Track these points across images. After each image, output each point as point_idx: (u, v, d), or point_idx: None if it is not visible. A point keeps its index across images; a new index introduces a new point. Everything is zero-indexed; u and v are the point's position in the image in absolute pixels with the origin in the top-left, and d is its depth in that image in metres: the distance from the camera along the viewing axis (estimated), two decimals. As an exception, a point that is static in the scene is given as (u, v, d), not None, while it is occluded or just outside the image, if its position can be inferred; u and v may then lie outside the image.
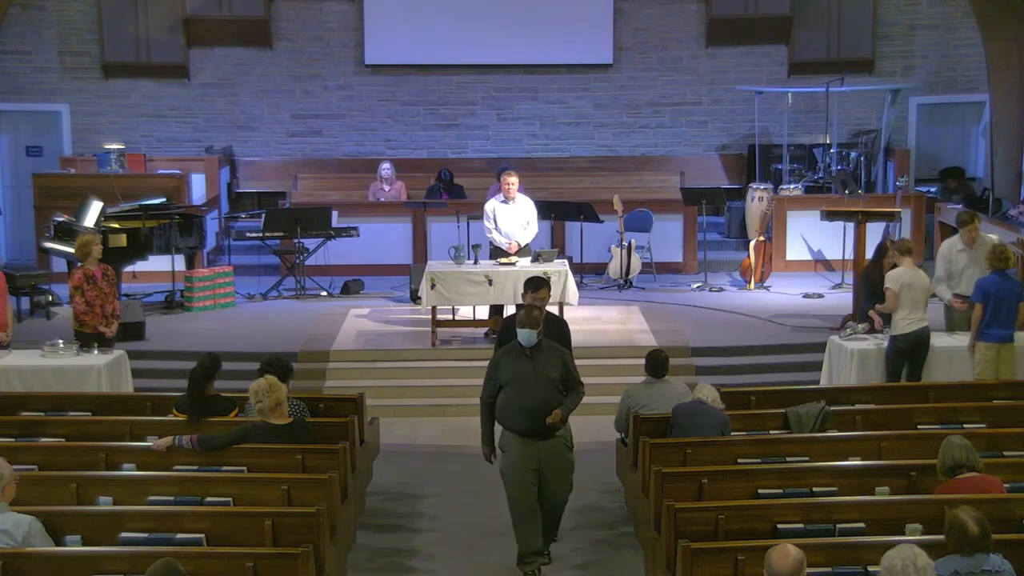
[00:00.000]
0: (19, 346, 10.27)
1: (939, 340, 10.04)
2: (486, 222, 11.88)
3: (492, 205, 11.92)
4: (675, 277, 14.73)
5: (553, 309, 11.42)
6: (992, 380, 9.24)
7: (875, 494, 6.81)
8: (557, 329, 8.11)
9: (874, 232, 13.32)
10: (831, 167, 15.59)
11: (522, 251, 11.75)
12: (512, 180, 11.80)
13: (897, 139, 16.98)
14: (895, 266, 10.11)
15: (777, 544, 5.07)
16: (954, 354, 9.76)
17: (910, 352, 9.61)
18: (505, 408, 7.22)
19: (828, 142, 16.07)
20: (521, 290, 11.12)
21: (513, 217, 11.82)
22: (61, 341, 9.82)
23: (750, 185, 15.20)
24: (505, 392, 7.20)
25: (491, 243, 11.87)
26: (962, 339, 9.85)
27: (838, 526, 6.34)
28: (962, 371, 9.64)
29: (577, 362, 10.90)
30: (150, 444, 7.43)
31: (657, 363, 8.43)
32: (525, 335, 7.19)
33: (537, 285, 8.12)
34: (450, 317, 12.05)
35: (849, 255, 13.40)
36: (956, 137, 17.37)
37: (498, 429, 7.45)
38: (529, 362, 7.18)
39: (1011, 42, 15.22)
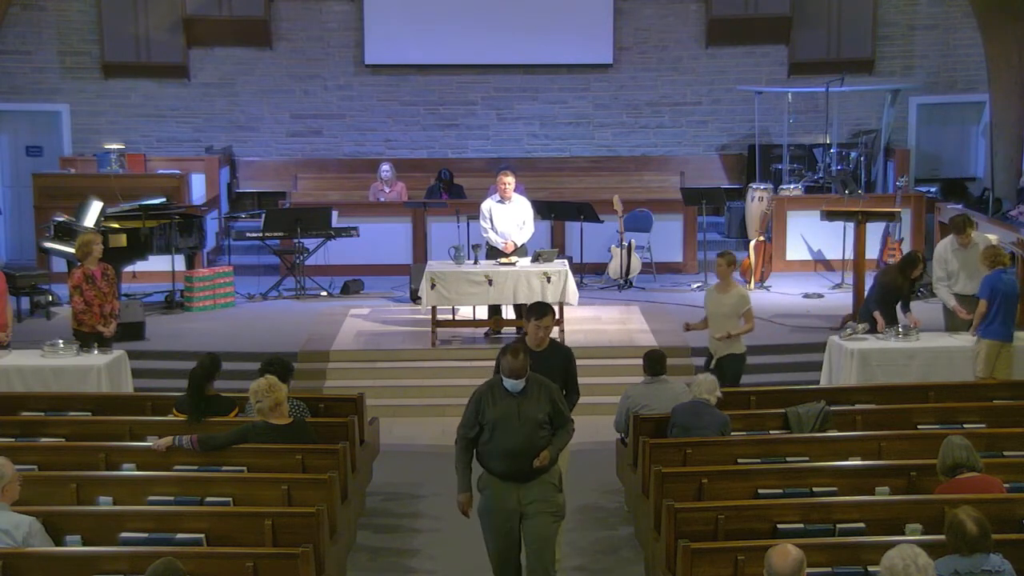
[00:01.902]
0: (19, 346, 10.27)
1: (940, 340, 10.05)
2: (482, 222, 11.88)
3: (488, 205, 11.92)
4: (675, 277, 14.72)
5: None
6: (992, 379, 9.24)
7: (875, 494, 6.81)
8: (560, 358, 7.53)
9: (874, 232, 13.34)
10: (831, 167, 15.59)
11: (518, 251, 11.75)
12: (508, 180, 11.80)
13: (897, 139, 16.98)
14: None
15: (777, 544, 5.07)
16: (955, 354, 9.76)
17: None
18: (486, 449, 6.58)
19: (828, 142, 16.07)
20: (521, 290, 11.26)
21: (509, 217, 11.82)
22: (61, 341, 9.81)
23: (750, 185, 15.21)
24: (487, 432, 6.56)
25: (487, 243, 11.87)
26: (962, 340, 9.86)
27: (838, 526, 6.33)
28: (962, 371, 9.64)
29: (577, 362, 11.06)
30: (150, 444, 7.43)
31: (655, 363, 8.44)
32: (512, 384, 6.54)
33: (541, 312, 7.45)
34: (450, 317, 12.04)
35: (849, 255, 13.41)
36: (956, 137, 17.38)
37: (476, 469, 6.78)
38: (513, 401, 6.53)
39: (1011, 42, 15.22)
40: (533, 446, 6.48)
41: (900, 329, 9.95)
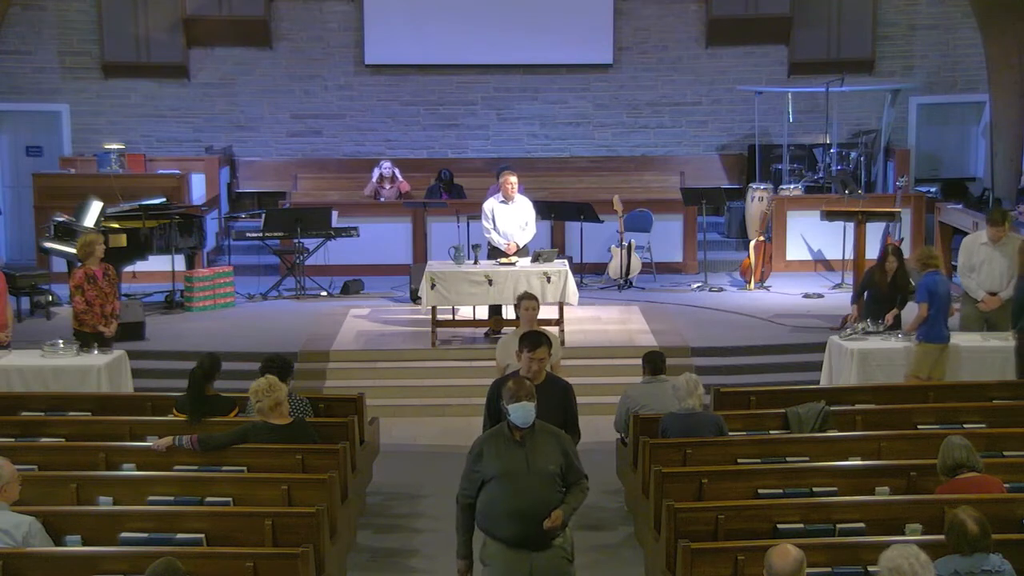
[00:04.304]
0: (19, 346, 10.27)
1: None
2: (484, 222, 11.87)
3: (491, 205, 11.91)
4: (675, 277, 14.73)
5: (552, 311, 11.52)
6: (925, 380, 9.29)
7: (875, 494, 6.81)
8: (559, 393, 6.83)
9: (874, 232, 13.35)
10: (831, 167, 15.60)
11: (520, 252, 11.74)
12: (513, 180, 11.79)
13: (897, 139, 16.99)
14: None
15: (777, 544, 5.07)
16: (954, 354, 9.75)
17: None
18: (490, 510, 5.71)
19: (828, 142, 16.08)
20: (521, 290, 11.23)
21: (512, 217, 11.81)
22: (61, 341, 9.81)
23: (750, 185, 15.21)
24: (489, 489, 5.70)
25: (489, 243, 11.86)
26: (962, 339, 9.86)
27: (838, 526, 6.33)
28: (962, 371, 9.63)
29: (577, 362, 11.10)
30: (150, 444, 7.43)
31: (655, 363, 8.43)
32: (521, 411, 5.70)
33: (535, 342, 6.70)
34: (450, 317, 12.05)
35: (849, 255, 13.41)
36: (956, 137, 17.39)
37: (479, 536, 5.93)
38: (520, 451, 5.70)
39: (1011, 42, 15.22)
40: (545, 504, 5.67)
41: (876, 326, 9.99)
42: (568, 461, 5.83)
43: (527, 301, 8.49)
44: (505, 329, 11.27)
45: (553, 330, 11.21)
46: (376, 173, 15.53)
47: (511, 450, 5.72)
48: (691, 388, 7.64)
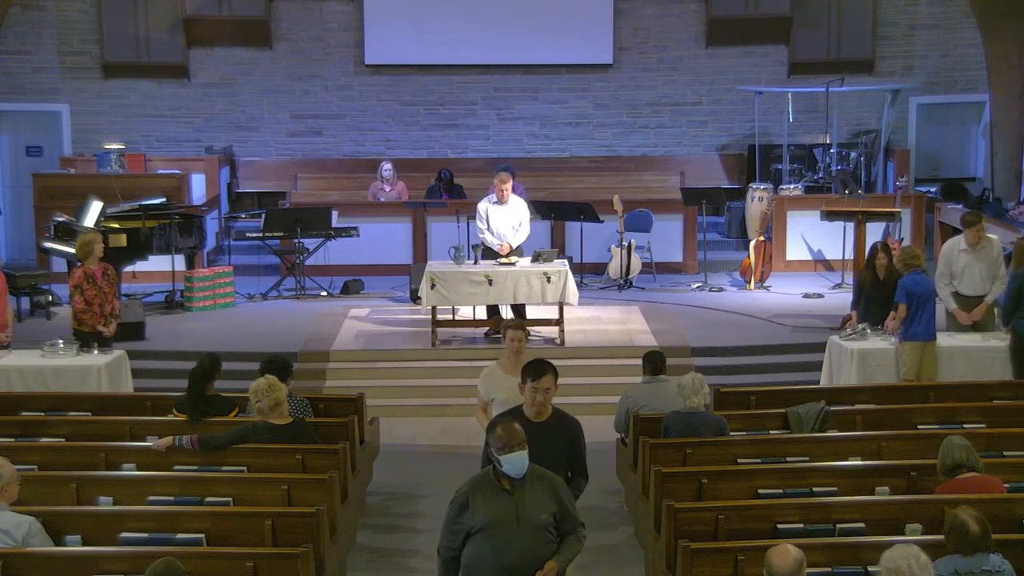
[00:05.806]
0: (19, 346, 10.27)
1: (939, 340, 10.04)
2: (478, 222, 11.87)
3: (485, 205, 11.90)
4: (675, 277, 14.73)
5: (552, 311, 11.52)
6: (916, 380, 9.29)
7: (875, 494, 6.81)
8: (565, 432, 6.16)
9: (874, 232, 13.34)
10: (831, 167, 15.60)
11: (513, 252, 11.73)
12: (506, 186, 11.76)
13: (897, 139, 16.99)
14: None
15: (777, 544, 5.07)
16: (954, 354, 9.76)
17: None
18: (475, 564, 5.24)
19: (828, 142, 16.08)
20: (521, 290, 11.25)
21: (505, 218, 11.80)
22: (61, 341, 9.81)
23: (750, 185, 15.21)
24: (475, 542, 5.23)
25: (482, 243, 11.85)
26: (962, 340, 9.87)
27: (838, 526, 6.34)
28: (962, 371, 9.64)
29: (577, 362, 11.10)
30: (150, 444, 7.43)
31: (655, 363, 8.43)
32: (516, 461, 5.20)
33: (539, 371, 6.02)
34: (450, 317, 12.04)
35: (849, 255, 13.41)
36: (956, 137, 17.39)
37: None
38: (509, 500, 5.21)
39: (1011, 42, 15.23)
40: (535, 558, 5.21)
41: (875, 330, 9.95)
42: (563, 508, 5.33)
43: (513, 331, 7.34)
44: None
45: (553, 331, 11.27)
46: (373, 187, 15.49)
47: (499, 499, 5.23)
48: (696, 387, 7.68)
